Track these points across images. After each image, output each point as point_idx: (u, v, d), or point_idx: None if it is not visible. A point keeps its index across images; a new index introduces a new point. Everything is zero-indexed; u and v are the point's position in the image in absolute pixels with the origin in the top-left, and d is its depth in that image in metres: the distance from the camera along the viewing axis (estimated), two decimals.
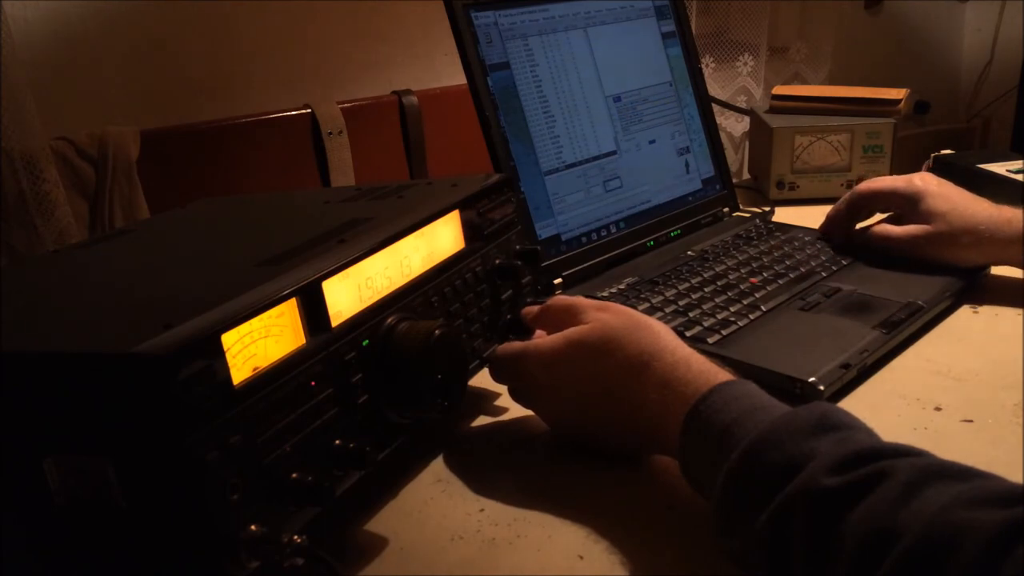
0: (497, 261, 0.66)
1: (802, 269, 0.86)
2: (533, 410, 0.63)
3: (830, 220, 0.94)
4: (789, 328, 0.74)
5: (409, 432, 0.55)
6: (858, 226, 0.93)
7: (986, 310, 0.81)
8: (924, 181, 0.86)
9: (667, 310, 0.77)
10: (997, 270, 0.86)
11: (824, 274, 0.85)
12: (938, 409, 0.64)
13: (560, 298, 0.64)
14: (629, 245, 0.93)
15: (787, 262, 0.88)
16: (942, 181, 0.86)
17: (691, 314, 0.76)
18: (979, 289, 0.84)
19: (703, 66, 1.13)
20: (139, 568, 0.42)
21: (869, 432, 0.46)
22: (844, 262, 0.88)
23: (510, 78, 0.86)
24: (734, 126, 1.58)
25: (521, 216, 0.74)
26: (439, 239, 0.60)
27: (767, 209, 1.10)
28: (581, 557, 0.51)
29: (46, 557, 0.44)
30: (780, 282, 0.83)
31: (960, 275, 0.83)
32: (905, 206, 0.86)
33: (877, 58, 1.97)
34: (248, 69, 1.09)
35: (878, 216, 0.93)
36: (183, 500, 0.40)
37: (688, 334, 0.72)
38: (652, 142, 0.99)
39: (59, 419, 0.41)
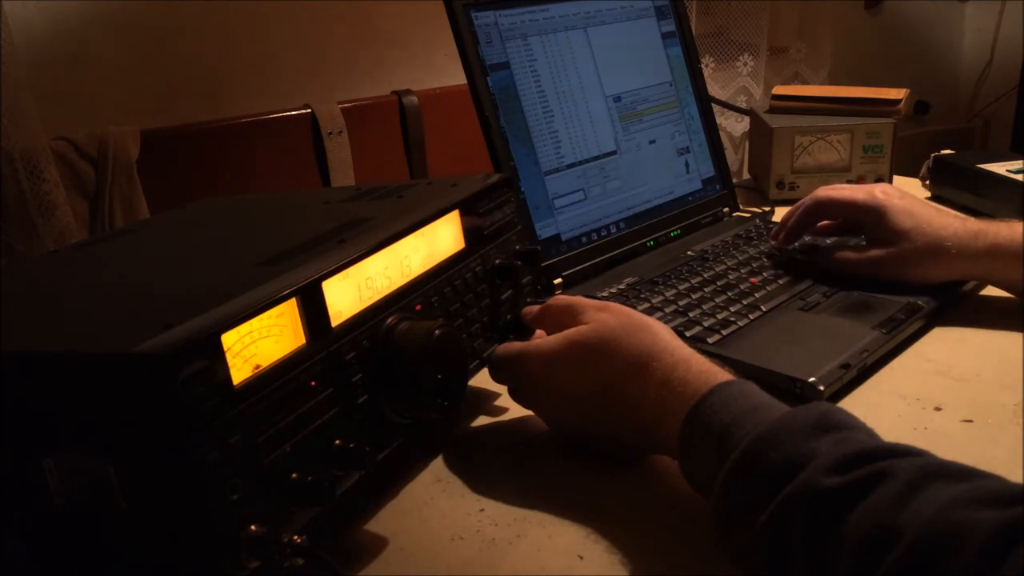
0: (497, 261, 0.66)
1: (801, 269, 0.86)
2: (533, 410, 0.63)
3: (781, 225, 0.88)
4: (789, 328, 0.74)
5: (409, 432, 0.55)
6: (814, 242, 0.89)
7: (986, 310, 0.80)
8: (886, 194, 0.80)
9: (667, 310, 0.77)
10: None
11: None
12: (938, 409, 0.64)
13: (560, 298, 0.64)
14: (629, 245, 0.93)
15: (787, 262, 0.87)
16: (904, 193, 0.81)
17: (691, 314, 0.76)
18: (977, 291, 0.84)
19: (703, 66, 1.13)
20: (139, 568, 0.42)
21: (869, 432, 0.46)
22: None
23: (510, 78, 0.86)
24: (734, 126, 1.58)
25: (521, 216, 0.74)
26: (439, 239, 0.60)
27: (767, 209, 1.10)
28: (581, 557, 0.51)
29: (46, 557, 0.44)
30: (780, 282, 0.83)
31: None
32: (865, 220, 0.81)
33: (877, 58, 1.98)
34: (248, 69, 1.09)
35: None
36: (183, 500, 0.40)
37: (688, 334, 0.72)
38: (652, 142, 0.99)
39: (59, 419, 0.41)
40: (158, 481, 0.40)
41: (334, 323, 0.49)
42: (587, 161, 0.92)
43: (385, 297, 0.54)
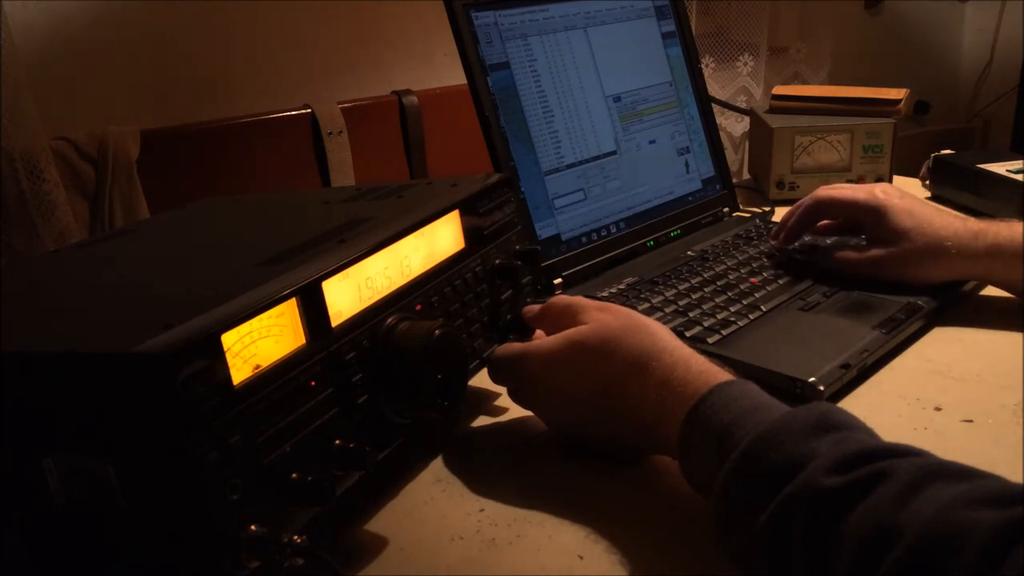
0: (497, 261, 0.66)
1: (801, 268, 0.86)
2: (533, 411, 0.63)
3: (781, 225, 0.88)
4: (789, 328, 0.74)
5: (409, 432, 0.55)
6: (814, 242, 0.89)
7: (986, 310, 0.80)
8: (886, 194, 0.80)
9: (667, 310, 0.77)
10: None
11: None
12: (938, 409, 0.64)
13: (560, 298, 0.64)
14: (629, 245, 0.93)
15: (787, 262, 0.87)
16: (904, 193, 0.81)
17: (691, 314, 0.76)
18: (977, 291, 0.84)
19: (703, 66, 1.13)
20: (139, 568, 0.42)
21: (869, 432, 0.46)
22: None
23: (510, 78, 0.86)
24: (734, 126, 1.58)
25: (521, 216, 0.74)
26: (439, 239, 0.60)
27: (767, 209, 1.10)
28: (581, 557, 0.51)
29: (46, 557, 0.44)
30: (780, 282, 0.83)
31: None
32: (866, 220, 0.81)
33: (877, 58, 1.98)
34: (249, 69, 1.09)
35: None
36: (183, 500, 0.40)
37: (688, 334, 0.72)
38: (652, 142, 0.99)
39: (59, 419, 0.41)
40: (158, 481, 0.40)
41: (334, 323, 0.49)
42: (587, 161, 0.92)
43: (385, 297, 0.54)
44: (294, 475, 0.45)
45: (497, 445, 0.64)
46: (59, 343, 0.42)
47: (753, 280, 0.83)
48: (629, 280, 0.85)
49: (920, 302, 0.77)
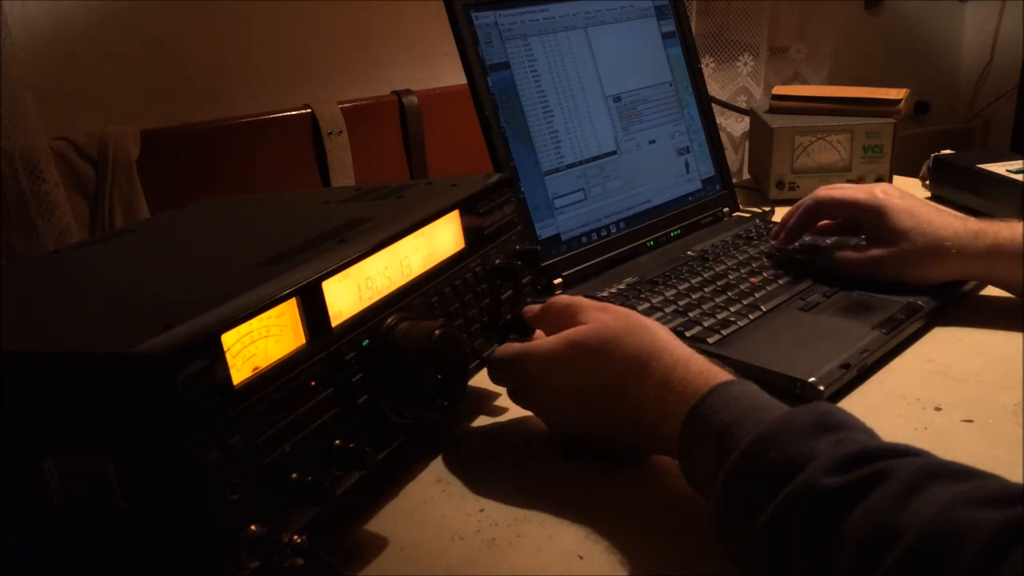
0: (497, 261, 0.66)
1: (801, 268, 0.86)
2: (532, 411, 0.63)
3: (781, 225, 0.88)
4: (789, 328, 0.74)
5: (409, 432, 0.55)
6: (814, 242, 0.89)
7: (986, 310, 0.80)
8: (886, 194, 0.80)
9: (667, 310, 0.77)
10: None
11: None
12: (938, 409, 0.64)
13: (560, 298, 0.64)
14: (629, 245, 0.93)
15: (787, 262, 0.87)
16: (904, 193, 0.81)
17: (691, 314, 0.76)
18: (978, 291, 0.84)
19: (703, 66, 1.13)
20: (139, 568, 0.42)
21: (869, 432, 0.46)
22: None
23: (510, 78, 0.86)
24: (734, 126, 1.58)
25: (521, 216, 0.74)
26: (439, 239, 0.60)
27: (767, 209, 1.10)
28: (581, 557, 0.51)
29: (46, 557, 0.44)
30: (780, 282, 0.83)
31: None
32: (866, 220, 0.81)
33: (877, 58, 1.98)
34: (248, 69, 1.09)
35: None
36: (183, 500, 0.40)
37: (688, 334, 0.72)
38: (652, 142, 0.99)
39: (59, 419, 0.41)
40: (158, 481, 0.40)
41: (334, 323, 0.49)
42: (587, 161, 0.92)
43: (385, 297, 0.54)
44: (294, 475, 0.45)
45: (497, 445, 0.64)
46: (59, 343, 0.42)
47: (753, 280, 0.83)
48: (629, 280, 0.85)
49: (920, 302, 0.77)
